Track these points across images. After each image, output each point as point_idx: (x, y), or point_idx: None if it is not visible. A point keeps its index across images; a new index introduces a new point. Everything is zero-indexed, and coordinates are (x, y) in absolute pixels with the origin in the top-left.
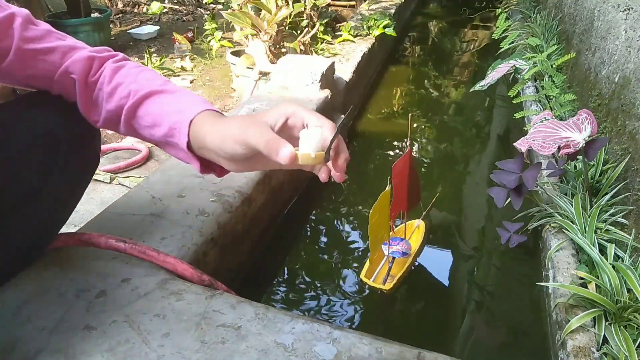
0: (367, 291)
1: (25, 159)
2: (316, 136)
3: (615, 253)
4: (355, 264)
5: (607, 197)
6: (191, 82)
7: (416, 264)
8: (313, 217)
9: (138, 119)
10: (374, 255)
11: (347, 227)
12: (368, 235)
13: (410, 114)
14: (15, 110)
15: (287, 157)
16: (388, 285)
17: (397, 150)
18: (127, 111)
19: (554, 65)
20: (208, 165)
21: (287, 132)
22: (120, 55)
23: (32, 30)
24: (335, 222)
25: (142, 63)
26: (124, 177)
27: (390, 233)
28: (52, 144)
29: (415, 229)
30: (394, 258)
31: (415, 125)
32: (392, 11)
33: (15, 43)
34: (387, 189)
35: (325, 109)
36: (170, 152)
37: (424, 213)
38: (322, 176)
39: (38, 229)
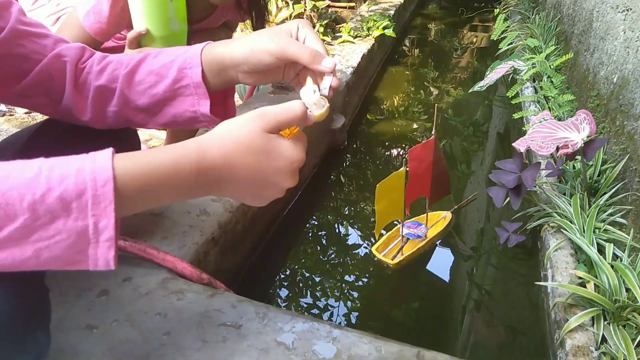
0: (368, 289)
1: None
2: (314, 95)
3: (613, 253)
4: (356, 263)
5: (606, 197)
6: None
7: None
8: (314, 217)
9: (135, 85)
10: (379, 229)
11: (347, 227)
12: (375, 208)
13: (435, 104)
14: None
15: (332, 65)
16: (395, 261)
17: (396, 150)
18: (123, 79)
19: (552, 66)
20: (215, 103)
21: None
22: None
23: (28, 18)
24: (336, 222)
25: None
26: None
27: (415, 218)
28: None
29: (441, 220)
30: (408, 239)
31: (414, 125)
32: (392, 12)
33: (10, 23)
34: (401, 170)
35: None
36: (170, 111)
37: (455, 207)
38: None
39: None
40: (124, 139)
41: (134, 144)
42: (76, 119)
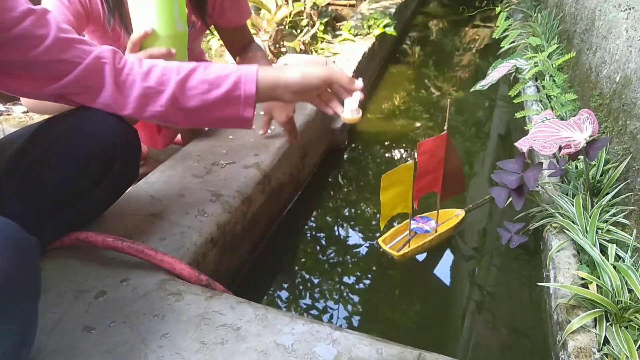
0: (369, 291)
1: (83, 170)
2: (354, 103)
3: (616, 253)
4: (356, 263)
5: (608, 197)
6: None
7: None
8: (313, 217)
9: (188, 90)
10: (384, 220)
11: (347, 227)
12: (380, 198)
13: (448, 100)
14: (78, 117)
15: (362, 84)
16: (400, 253)
17: (397, 150)
18: (176, 84)
19: (554, 65)
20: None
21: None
22: None
23: (63, 25)
24: (336, 222)
25: None
26: None
27: (426, 213)
28: (109, 158)
29: (453, 217)
30: (415, 233)
31: (415, 124)
32: (393, 10)
33: (54, 32)
34: (409, 162)
35: None
36: (214, 114)
37: (471, 206)
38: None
39: (70, 229)
40: (124, 141)
41: (134, 144)
42: (115, 112)
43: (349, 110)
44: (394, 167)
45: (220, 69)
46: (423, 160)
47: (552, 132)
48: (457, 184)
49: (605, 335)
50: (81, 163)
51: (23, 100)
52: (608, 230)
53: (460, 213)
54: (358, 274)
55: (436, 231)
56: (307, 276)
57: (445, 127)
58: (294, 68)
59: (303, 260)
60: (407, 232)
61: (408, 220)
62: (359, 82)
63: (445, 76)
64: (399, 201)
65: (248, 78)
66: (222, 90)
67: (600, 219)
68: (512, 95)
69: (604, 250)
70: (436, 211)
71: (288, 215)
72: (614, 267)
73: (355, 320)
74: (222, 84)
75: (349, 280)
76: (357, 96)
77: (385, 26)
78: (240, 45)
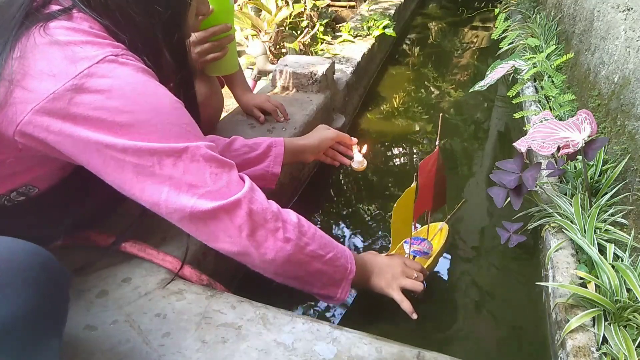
0: (368, 290)
1: None
2: (360, 155)
3: (614, 253)
4: None
5: (607, 197)
6: None
7: (437, 270)
8: (313, 219)
9: (232, 151)
10: (392, 251)
11: (347, 229)
12: (390, 229)
13: (441, 113)
14: None
15: (356, 140)
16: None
17: (396, 150)
18: (223, 146)
19: (553, 66)
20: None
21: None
22: None
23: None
24: (335, 222)
25: None
26: None
27: (414, 233)
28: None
29: (438, 232)
30: (414, 257)
31: (416, 125)
32: (392, 12)
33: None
34: (412, 185)
35: (325, 109)
36: (249, 167)
37: (449, 217)
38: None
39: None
40: None
41: None
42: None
43: (357, 161)
44: (392, 166)
45: (256, 138)
46: (423, 181)
47: (550, 132)
48: (442, 198)
49: (604, 335)
50: None
51: None
52: (606, 230)
53: (443, 226)
54: None
55: (430, 256)
56: None
57: (437, 143)
58: (313, 135)
59: None
60: (406, 256)
61: (401, 244)
62: (354, 139)
63: (444, 77)
64: (403, 227)
65: (278, 142)
66: (259, 151)
67: (598, 218)
68: (511, 96)
69: (602, 250)
70: (424, 228)
71: None
72: (613, 267)
73: (355, 318)
74: (259, 147)
75: None
76: (361, 154)
77: (384, 27)
78: None
